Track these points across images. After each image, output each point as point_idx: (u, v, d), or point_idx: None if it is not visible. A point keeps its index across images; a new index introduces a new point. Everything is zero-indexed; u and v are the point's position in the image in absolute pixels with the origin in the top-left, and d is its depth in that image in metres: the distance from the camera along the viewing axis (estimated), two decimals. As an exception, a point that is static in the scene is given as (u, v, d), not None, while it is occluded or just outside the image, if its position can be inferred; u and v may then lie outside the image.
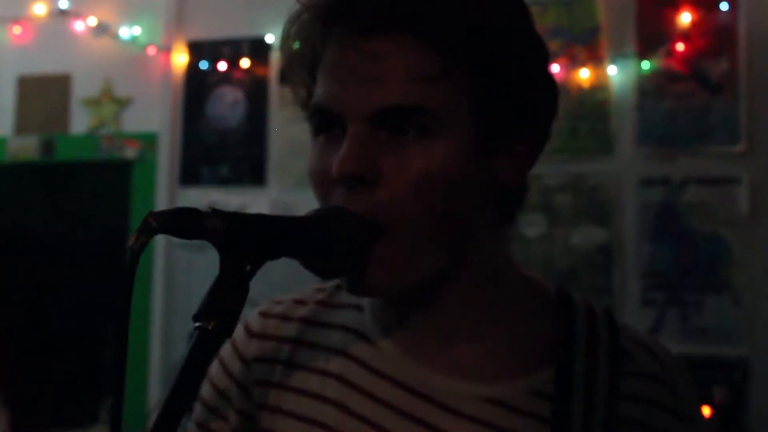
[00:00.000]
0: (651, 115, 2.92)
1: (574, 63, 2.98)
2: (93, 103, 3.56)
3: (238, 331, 0.98)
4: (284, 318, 0.97)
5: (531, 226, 2.95)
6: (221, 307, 0.74)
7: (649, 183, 2.90)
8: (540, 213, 2.96)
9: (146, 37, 3.48)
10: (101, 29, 3.52)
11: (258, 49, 3.36)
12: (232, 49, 3.40)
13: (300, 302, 0.99)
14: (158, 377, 3.35)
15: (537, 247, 2.95)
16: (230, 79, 3.41)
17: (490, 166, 0.86)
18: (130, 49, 3.49)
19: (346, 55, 0.84)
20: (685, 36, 2.90)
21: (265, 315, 0.99)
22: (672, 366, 0.93)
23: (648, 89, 2.93)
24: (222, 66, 3.40)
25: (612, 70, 2.96)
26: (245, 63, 3.37)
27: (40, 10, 3.59)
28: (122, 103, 3.53)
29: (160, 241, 3.30)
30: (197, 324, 0.74)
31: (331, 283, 0.99)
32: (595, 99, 2.97)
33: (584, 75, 2.97)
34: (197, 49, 3.45)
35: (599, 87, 2.97)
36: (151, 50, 3.47)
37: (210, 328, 0.74)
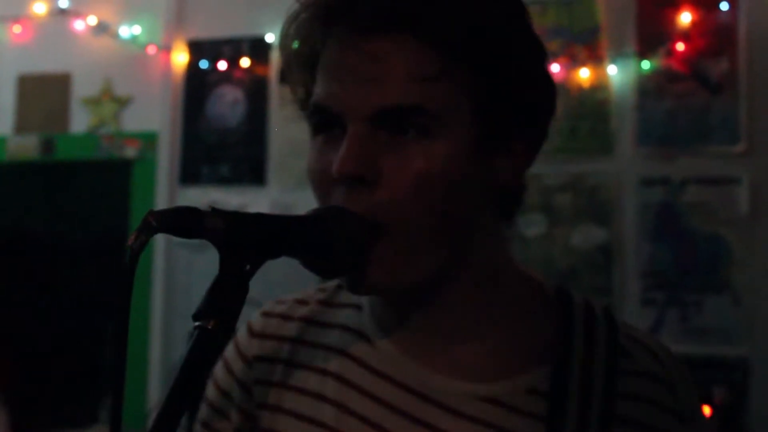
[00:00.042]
0: (651, 115, 2.92)
1: (574, 63, 2.98)
2: (93, 102, 3.56)
3: (241, 331, 0.98)
4: (285, 317, 0.98)
5: (531, 226, 2.95)
6: (221, 306, 0.74)
7: (649, 183, 2.90)
8: (540, 213, 2.96)
9: (146, 37, 3.48)
10: (101, 28, 3.52)
11: (258, 49, 3.36)
12: (232, 48, 3.40)
13: (301, 302, 0.99)
14: (158, 377, 3.35)
15: (537, 247, 2.95)
16: (230, 79, 3.41)
17: (489, 166, 0.86)
18: (130, 48, 3.49)
19: (346, 54, 0.84)
20: (685, 36, 2.90)
21: (267, 315, 0.99)
22: (672, 365, 0.93)
23: (648, 89, 2.93)
24: (222, 65, 3.40)
25: (612, 70, 2.96)
26: (245, 62, 3.37)
27: (40, 9, 3.59)
28: (122, 103, 3.53)
29: (160, 240, 3.30)
30: (197, 323, 0.74)
31: (332, 283, 0.99)
32: (595, 99, 2.97)
33: (584, 75, 2.97)
34: (197, 49, 3.45)
35: (599, 87, 2.97)
36: (151, 49, 3.47)
37: (210, 327, 0.74)
